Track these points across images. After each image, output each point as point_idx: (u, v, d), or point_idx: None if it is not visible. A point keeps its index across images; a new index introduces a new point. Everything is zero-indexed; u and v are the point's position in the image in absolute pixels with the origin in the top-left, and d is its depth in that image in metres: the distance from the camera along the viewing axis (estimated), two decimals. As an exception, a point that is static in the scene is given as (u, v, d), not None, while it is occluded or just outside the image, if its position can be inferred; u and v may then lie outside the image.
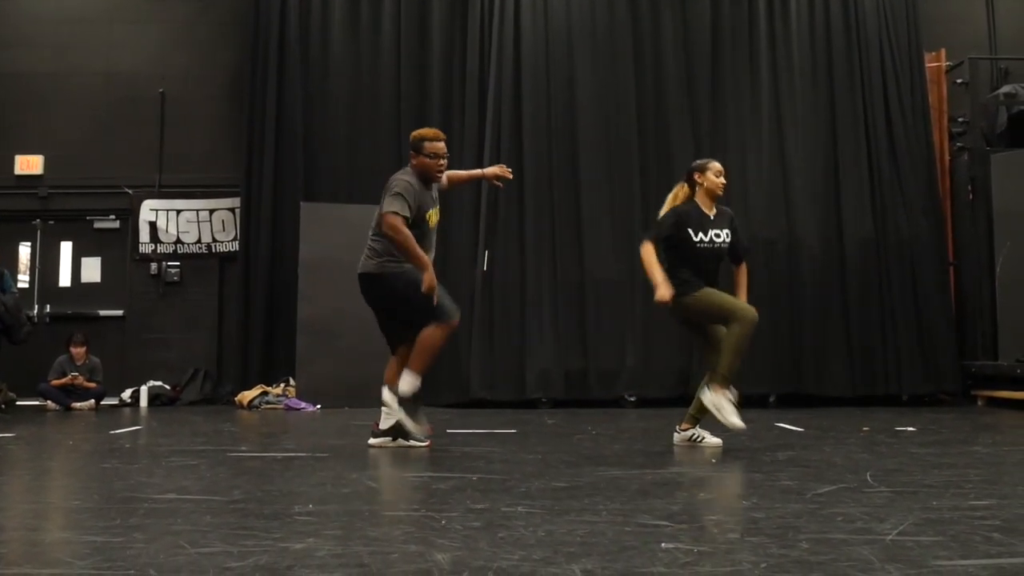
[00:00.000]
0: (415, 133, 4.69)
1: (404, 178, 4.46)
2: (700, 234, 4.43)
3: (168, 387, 8.77)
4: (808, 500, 2.92)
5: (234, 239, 9.13)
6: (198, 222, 9.27)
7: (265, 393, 8.17)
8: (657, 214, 8.81)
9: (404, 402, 4.37)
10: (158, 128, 9.32)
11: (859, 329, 8.26)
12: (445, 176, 4.66)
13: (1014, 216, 7.84)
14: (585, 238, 8.40)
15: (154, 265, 9.22)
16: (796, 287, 8.30)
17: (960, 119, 8.88)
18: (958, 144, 8.87)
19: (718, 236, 4.47)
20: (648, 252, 4.42)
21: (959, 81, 8.83)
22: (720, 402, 4.34)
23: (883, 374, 8.20)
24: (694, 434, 4.65)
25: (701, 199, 4.52)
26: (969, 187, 8.48)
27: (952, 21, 9.32)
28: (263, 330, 8.64)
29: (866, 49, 8.65)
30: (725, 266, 4.68)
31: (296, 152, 8.80)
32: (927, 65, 8.78)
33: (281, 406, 7.95)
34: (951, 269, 8.61)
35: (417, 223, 4.41)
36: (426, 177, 4.55)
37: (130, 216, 9.29)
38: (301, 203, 8.38)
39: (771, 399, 8.02)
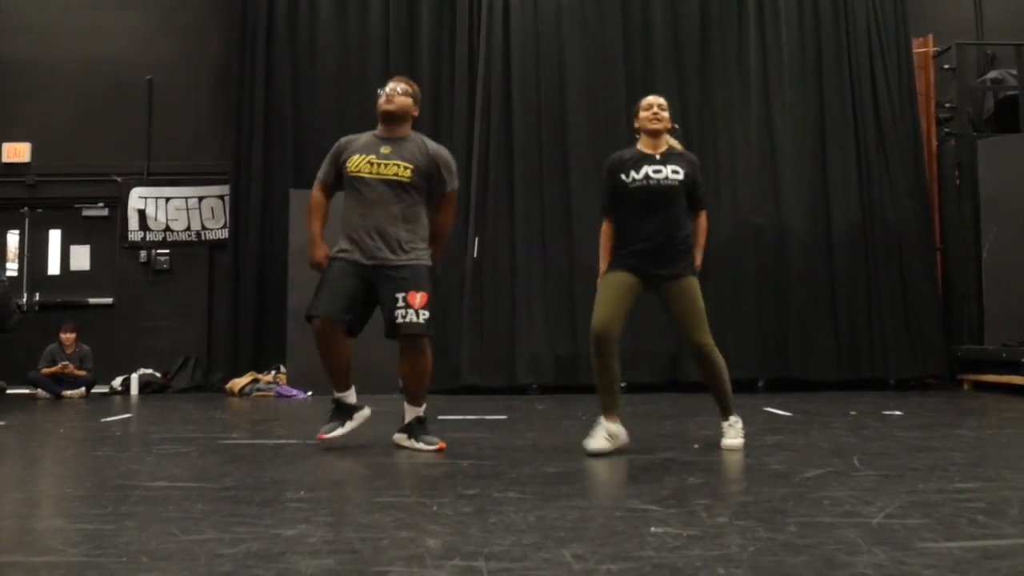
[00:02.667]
0: None
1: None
2: (632, 173, 3.89)
3: (158, 375, 8.76)
4: (796, 484, 2.95)
5: (223, 226, 9.09)
6: (187, 209, 9.23)
7: (256, 380, 8.18)
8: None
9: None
10: (146, 115, 9.27)
11: (846, 314, 8.31)
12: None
13: (1000, 201, 7.89)
14: (574, 223, 8.41)
15: (143, 253, 9.18)
16: (783, 272, 8.33)
17: (947, 104, 8.91)
18: (945, 130, 8.90)
19: (658, 172, 3.87)
20: (603, 233, 4.16)
21: (946, 67, 8.86)
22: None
23: (870, 358, 8.26)
24: (722, 427, 4.14)
25: (642, 143, 4.03)
26: (956, 172, 8.52)
27: (940, 6, 9.34)
28: (253, 317, 8.64)
29: (854, 34, 8.66)
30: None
31: (285, 139, 8.78)
32: (915, 51, 8.80)
33: (272, 393, 7.96)
34: (938, 254, 8.66)
35: (343, 175, 3.95)
36: (382, 121, 4.02)
37: (119, 204, 9.24)
38: (291, 190, 8.35)
39: (759, 384, 8.08)
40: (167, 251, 9.19)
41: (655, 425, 4.93)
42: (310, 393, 7.88)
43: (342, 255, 3.92)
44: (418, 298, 3.79)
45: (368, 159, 3.91)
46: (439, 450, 3.86)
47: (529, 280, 8.32)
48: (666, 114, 4.06)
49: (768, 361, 8.18)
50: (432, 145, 4.04)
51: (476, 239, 8.27)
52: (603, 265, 4.10)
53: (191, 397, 8.11)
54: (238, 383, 8.16)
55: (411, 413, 4.01)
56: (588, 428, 4.97)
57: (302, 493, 2.88)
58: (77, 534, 2.30)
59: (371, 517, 2.47)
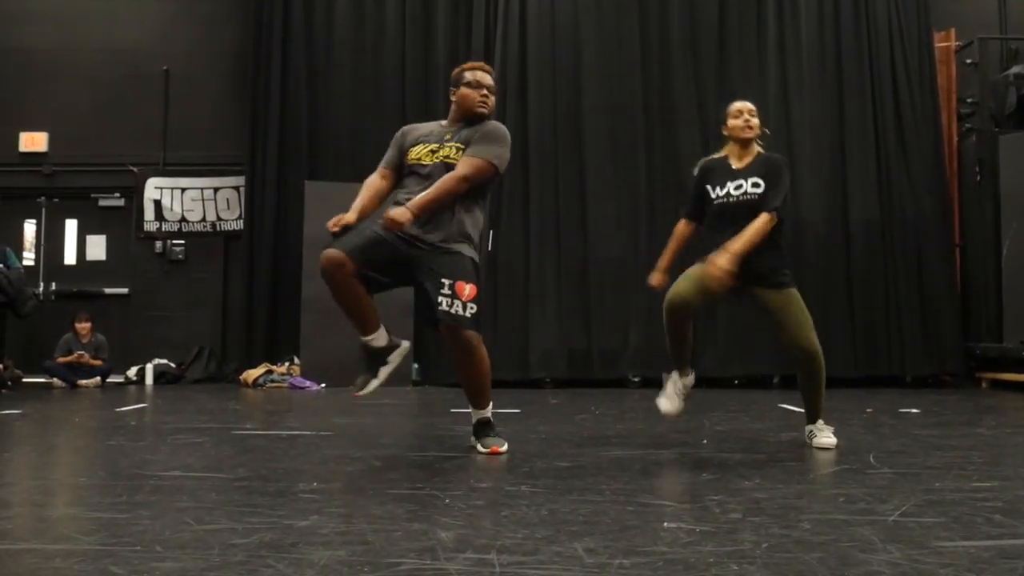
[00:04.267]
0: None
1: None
2: (717, 188, 3.77)
3: (173, 365, 8.81)
4: (810, 481, 2.93)
5: (239, 217, 9.13)
6: (203, 200, 9.27)
7: (270, 371, 8.21)
8: (660, 193, 8.75)
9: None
10: (162, 105, 9.30)
11: (863, 310, 8.25)
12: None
13: (1021, 198, 7.80)
14: (589, 217, 8.39)
15: (159, 243, 9.23)
16: (801, 268, 8.24)
17: (969, 100, 8.81)
18: (966, 125, 8.80)
19: (738, 187, 3.72)
20: (675, 233, 3.92)
21: (968, 61, 8.75)
22: (665, 384, 3.93)
23: (887, 355, 8.20)
24: (811, 430, 3.85)
25: (731, 150, 3.89)
26: (977, 168, 8.43)
27: (962, 0, 9.22)
28: (268, 308, 8.67)
29: (875, 28, 8.57)
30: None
31: (300, 130, 8.79)
32: (936, 45, 8.70)
33: (285, 384, 7.99)
34: (957, 251, 8.58)
35: (409, 168, 3.66)
36: (462, 116, 3.67)
37: (135, 194, 9.29)
38: (305, 181, 8.37)
39: (774, 380, 8.03)
40: (182, 242, 9.23)
41: (669, 420, 4.90)
42: (323, 385, 7.90)
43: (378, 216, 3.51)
44: (467, 289, 3.41)
45: (430, 147, 3.60)
46: (492, 453, 3.55)
47: (543, 274, 8.30)
48: (756, 120, 3.89)
49: (783, 358, 8.09)
50: (488, 123, 3.66)
51: (491, 233, 8.26)
52: (663, 262, 3.92)
53: (205, 387, 8.15)
54: (252, 374, 8.19)
55: (474, 416, 3.73)
56: (601, 422, 4.98)
57: (315, 484, 2.88)
58: (92, 523, 2.31)
59: (384, 509, 2.47)
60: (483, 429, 3.69)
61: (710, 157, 3.97)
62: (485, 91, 3.63)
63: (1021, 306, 7.70)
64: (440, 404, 6.31)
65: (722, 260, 3.52)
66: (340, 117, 8.79)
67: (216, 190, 9.26)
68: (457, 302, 3.41)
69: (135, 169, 9.24)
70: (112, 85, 9.29)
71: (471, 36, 8.68)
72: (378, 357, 3.60)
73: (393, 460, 3.47)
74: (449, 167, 3.52)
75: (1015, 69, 8.61)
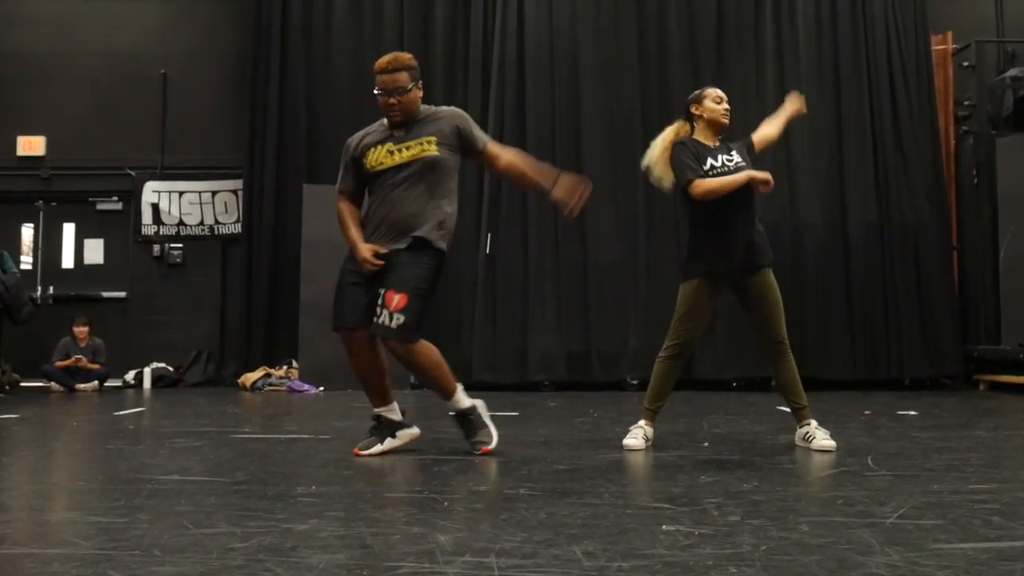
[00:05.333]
0: None
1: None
2: (710, 159, 3.73)
3: (171, 369, 8.81)
4: (809, 483, 2.93)
5: (237, 221, 9.13)
6: (200, 204, 9.27)
7: (268, 375, 8.20)
8: (659, 196, 8.74)
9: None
10: (160, 109, 9.31)
11: (861, 313, 8.26)
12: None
13: (1018, 201, 7.81)
14: (588, 220, 8.38)
15: (157, 247, 9.23)
16: (799, 270, 8.29)
17: (966, 102, 8.83)
18: (963, 128, 8.82)
19: (730, 159, 3.76)
20: (704, 184, 3.68)
21: (965, 64, 8.77)
22: (632, 431, 3.87)
23: (885, 358, 8.21)
24: (807, 432, 3.81)
25: (701, 134, 3.85)
26: (974, 171, 8.45)
27: (959, 3, 9.25)
28: (266, 312, 8.67)
29: (872, 31, 8.59)
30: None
31: (299, 133, 8.80)
32: (933, 48, 8.72)
33: (284, 388, 7.98)
34: (954, 253, 8.60)
35: (366, 179, 3.65)
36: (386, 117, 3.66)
37: (132, 198, 9.29)
38: (304, 185, 8.37)
39: (773, 383, 8.00)
40: (180, 245, 9.22)
41: (668, 423, 4.91)
42: (322, 388, 7.90)
43: (348, 259, 3.66)
44: (395, 299, 3.41)
45: (386, 148, 3.59)
46: (482, 454, 3.59)
47: (542, 277, 8.31)
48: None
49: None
50: (442, 110, 3.72)
51: (489, 235, 8.27)
52: (738, 176, 3.71)
53: (203, 391, 8.15)
54: (250, 377, 8.19)
55: (449, 411, 3.80)
56: (599, 425, 4.98)
57: (314, 488, 2.88)
58: (90, 527, 2.31)
59: (382, 512, 2.47)
60: (466, 425, 3.69)
61: (682, 139, 3.86)
62: (392, 99, 3.58)
63: (1019, 308, 7.72)
64: (438, 408, 6.30)
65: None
66: (338, 120, 8.78)
67: (214, 193, 9.26)
68: (384, 312, 3.44)
69: (133, 173, 9.24)
70: (110, 89, 9.29)
71: (469, 40, 8.69)
72: (389, 429, 3.71)
73: (391, 464, 3.47)
74: (425, 165, 3.55)
75: (1012, 72, 8.63)
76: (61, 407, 6.53)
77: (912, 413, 5.61)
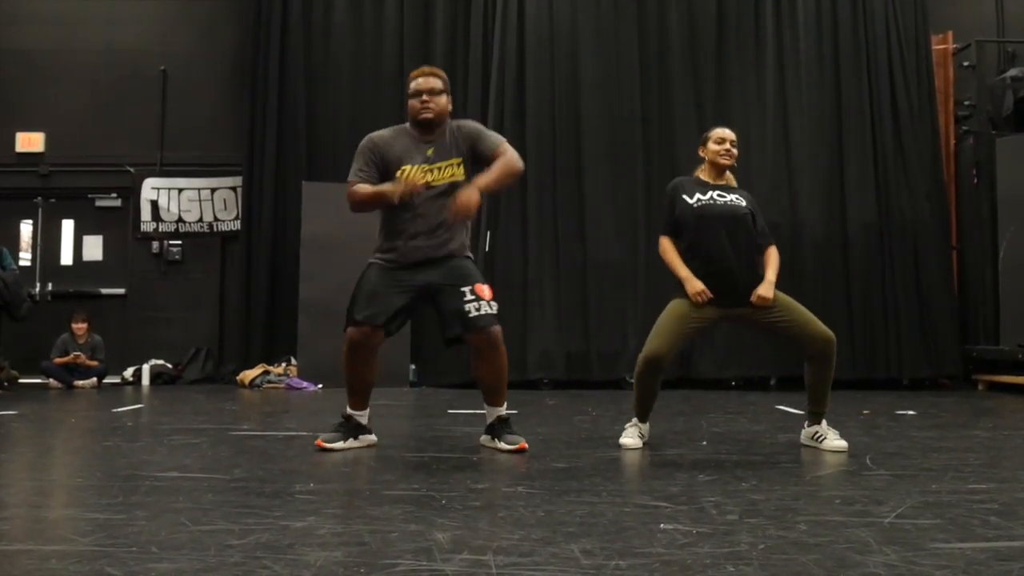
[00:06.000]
0: None
1: (372, 133, 3.82)
2: (697, 195, 3.78)
3: (170, 366, 8.80)
4: (807, 482, 2.93)
5: (236, 218, 9.12)
6: (200, 201, 9.26)
7: (267, 372, 8.20)
8: (658, 197, 8.76)
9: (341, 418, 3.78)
10: (160, 106, 9.30)
11: (860, 313, 8.26)
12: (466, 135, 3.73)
13: (1018, 201, 7.81)
14: (587, 219, 8.39)
15: (156, 244, 9.22)
16: (798, 270, 8.28)
17: (966, 102, 8.82)
18: (964, 128, 8.82)
19: (721, 196, 3.78)
20: (665, 247, 3.88)
21: (966, 64, 8.77)
22: (627, 429, 3.91)
23: (884, 358, 8.21)
24: (817, 432, 3.82)
25: (705, 172, 3.96)
26: (974, 171, 8.44)
27: (959, 3, 9.24)
28: (265, 309, 8.66)
29: (872, 30, 8.58)
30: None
31: (298, 131, 8.79)
32: (933, 47, 8.72)
33: (283, 385, 7.98)
34: (954, 253, 8.59)
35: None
36: (416, 123, 3.73)
37: (132, 194, 9.28)
38: (303, 182, 8.37)
39: (772, 382, 8.04)
40: (179, 242, 9.22)
41: (667, 422, 4.91)
42: (320, 385, 7.90)
43: (379, 261, 3.67)
44: (486, 289, 3.56)
45: (421, 168, 3.62)
46: (519, 449, 3.62)
47: (541, 276, 8.31)
48: (736, 151, 3.94)
49: (781, 359, 8.13)
50: (465, 125, 3.79)
51: (488, 234, 8.26)
52: (682, 270, 3.80)
53: (202, 388, 8.14)
54: (249, 375, 8.18)
55: (493, 414, 3.81)
56: (598, 423, 4.97)
57: (311, 485, 2.88)
58: (88, 524, 2.31)
59: (380, 510, 2.47)
60: (503, 426, 3.76)
61: (679, 178, 4.05)
62: (424, 96, 3.66)
63: (1018, 309, 7.72)
64: (437, 405, 6.31)
65: (767, 292, 3.67)
66: (338, 118, 8.79)
67: (213, 191, 9.25)
68: (483, 303, 3.57)
69: (132, 169, 9.23)
70: (109, 85, 9.28)
71: (469, 39, 8.68)
72: (356, 430, 3.76)
73: (390, 461, 3.47)
74: (449, 188, 3.60)
75: (1012, 72, 8.63)
76: (60, 404, 6.52)
77: (911, 413, 5.61)
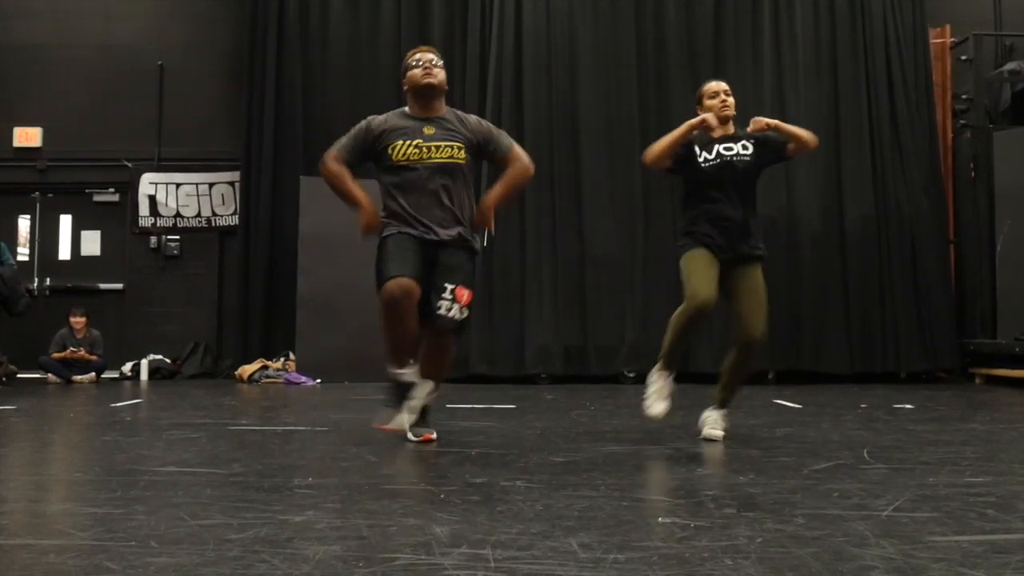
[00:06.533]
0: None
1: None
2: (704, 152, 3.82)
3: (168, 361, 8.80)
4: (805, 476, 2.94)
5: (234, 213, 9.11)
6: (198, 196, 9.25)
7: (265, 367, 8.20)
8: (656, 192, 8.74)
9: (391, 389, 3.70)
10: (157, 101, 9.27)
11: (858, 306, 8.27)
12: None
13: (1015, 194, 7.82)
14: (585, 214, 8.39)
15: (154, 239, 9.21)
16: (796, 264, 8.29)
17: (964, 96, 8.82)
18: (961, 121, 8.81)
19: (728, 149, 3.82)
20: (649, 151, 3.92)
21: (963, 58, 8.76)
22: (650, 383, 3.94)
23: (881, 351, 8.22)
24: (710, 416, 3.97)
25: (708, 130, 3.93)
26: (971, 165, 8.45)
27: (957, -4, 9.24)
28: (263, 304, 8.66)
29: (870, 24, 8.57)
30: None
31: (296, 125, 8.77)
32: (931, 41, 8.71)
33: (281, 380, 7.98)
34: (951, 247, 8.60)
35: (387, 165, 3.63)
36: (417, 97, 3.70)
37: (129, 189, 9.27)
38: (301, 177, 8.36)
39: (769, 376, 8.05)
40: (177, 237, 9.21)
41: (666, 415, 4.91)
42: (319, 380, 7.90)
43: (394, 231, 3.58)
44: (466, 295, 3.54)
45: (414, 143, 3.60)
46: (423, 440, 3.67)
47: (539, 271, 8.30)
48: (732, 100, 3.94)
49: (779, 353, 8.14)
50: (470, 118, 3.80)
51: (485, 230, 8.25)
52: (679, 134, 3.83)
53: (201, 383, 8.15)
54: (247, 369, 8.19)
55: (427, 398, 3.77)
56: (596, 418, 4.98)
57: (310, 479, 2.88)
58: (86, 518, 2.31)
59: (379, 504, 2.47)
60: (426, 414, 3.78)
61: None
62: (425, 64, 3.68)
63: (1015, 302, 7.73)
64: (436, 400, 6.31)
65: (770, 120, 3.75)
66: (335, 113, 8.75)
67: (211, 185, 9.24)
68: (455, 307, 3.53)
69: (130, 164, 9.22)
70: (107, 80, 9.26)
71: (466, 34, 8.67)
72: (404, 392, 3.64)
73: (388, 455, 3.47)
74: (447, 168, 3.60)
75: (1010, 66, 8.63)
76: (58, 399, 6.52)
77: (908, 406, 5.62)
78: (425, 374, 3.69)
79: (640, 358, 8.17)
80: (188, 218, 9.24)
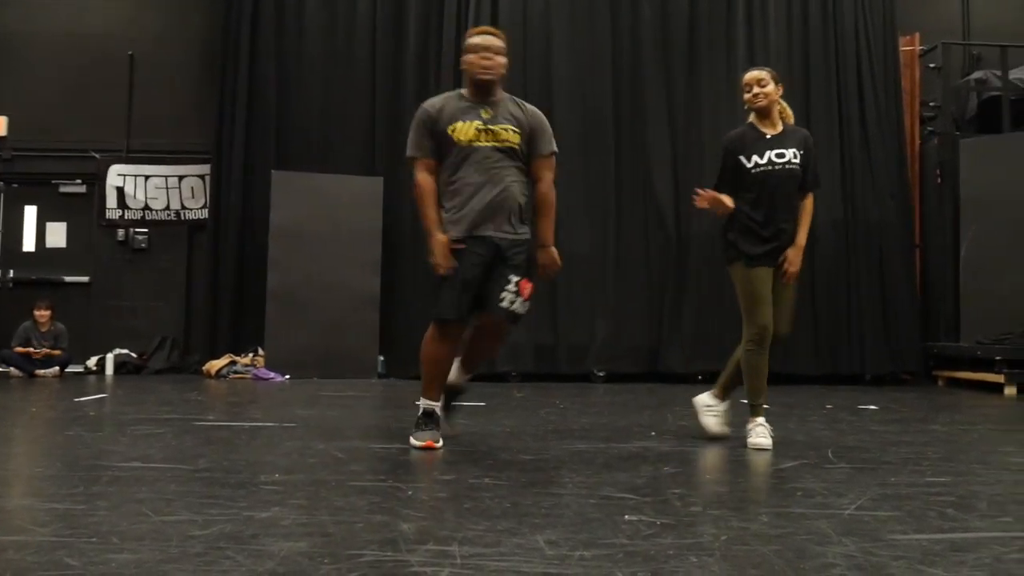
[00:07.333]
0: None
1: (426, 101, 3.71)
2: (755, 157, 3.77)
3: (135, 355, 8.69)
4: (770, 475, 2.97)
5: (203, 206, 9.01)
6: (167, 188, 9.14)
7: (233, 362, 8.13)
8: (629, 191, 8.76)
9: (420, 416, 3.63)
10: (127, 91, 9.15)
11: (825, 308, 8.37)
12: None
13: (980, 201, 7.96)
14: (558, 212, 8.37)
15: (121, 231, 9.09)
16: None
17: (932, 103, 8.96)
18: (928, 128, 8.95)
19: (781, 156, 3.77)
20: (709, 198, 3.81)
21: (932, 66, 8.90)
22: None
23: (847, 353, 8.33)
24: (712, 405, 4.04)
25: (756, 120, 3.92)
26: (938, 171, 8.58)
27: (927, 5, 9.37)
28: (232, 299, 8.58)
29: (841, 30, 8.68)
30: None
31: (268, 119, 8.70)
32: (901, 48, 8.83)
33: (249, 376, 7.91)
34: (917, 252, 8.73)
35: (448, 147, 3.55)
36: (474, 83, 3.63)
37: (97, 181, 9.13)
38: (272, 171, 8.29)
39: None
40: (145, 230, 9.09)
41: (633, 414, 4.95)
42: (288, 376, 7.84)
43: (463, 244, 3.53)
44: (528, 289, 3.58)
45: (475, 125, 3.54)
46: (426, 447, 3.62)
47: (511, 268, 8.29)
48: (769, 88, 3.89)
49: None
50: (528, 106, 3.73)
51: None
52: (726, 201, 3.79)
53: (167, 378, 8.05)
54: (215, 365, 8.11)
55: (461, 380, 3.88)
56: (565, 416, 5.00)
57: (277, 476, 2.86)
58: (47, 514, 2.27)
59: (346, 500, 2.46)
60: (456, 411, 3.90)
61: (733, 131, 3.97)
62: (487, 53, 3.61)
63: (978, 306, 7.86)
64: (404, 396, 6.29)
65: (798, 259, 3.77)
66: (309, 107, 8.71)
67: (181, 178, 9.14)
68: (518, 300, 3.57)
69: (98, 155, 9.08)
70: (76, 70, 9.12)
71: (443, 28, 8.65)
72: (437, 423, 3.64)
73: (356, 452, 3.46)
74: (510, 151, 3.58)
75: (976, 74, 8.78)
76: (20, 393, 6.41)
77: (872, 407, 5.70)
78: (471, 362, 3.79)
79: (610, 357, 8.21)
80: (157, 211, 9.13)
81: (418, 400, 3.65)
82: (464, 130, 3.54)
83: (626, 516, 2.27)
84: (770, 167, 3.77)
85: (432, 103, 3.67)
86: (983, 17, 9.30)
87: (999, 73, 8.54)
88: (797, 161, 3.83)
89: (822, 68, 8.64)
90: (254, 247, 8.47)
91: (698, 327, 8.21)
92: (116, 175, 9.11)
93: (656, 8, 8.65)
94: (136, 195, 9.10)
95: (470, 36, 3.72)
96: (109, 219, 9.10)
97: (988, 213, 7.88)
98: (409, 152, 3.63)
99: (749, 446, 3.63)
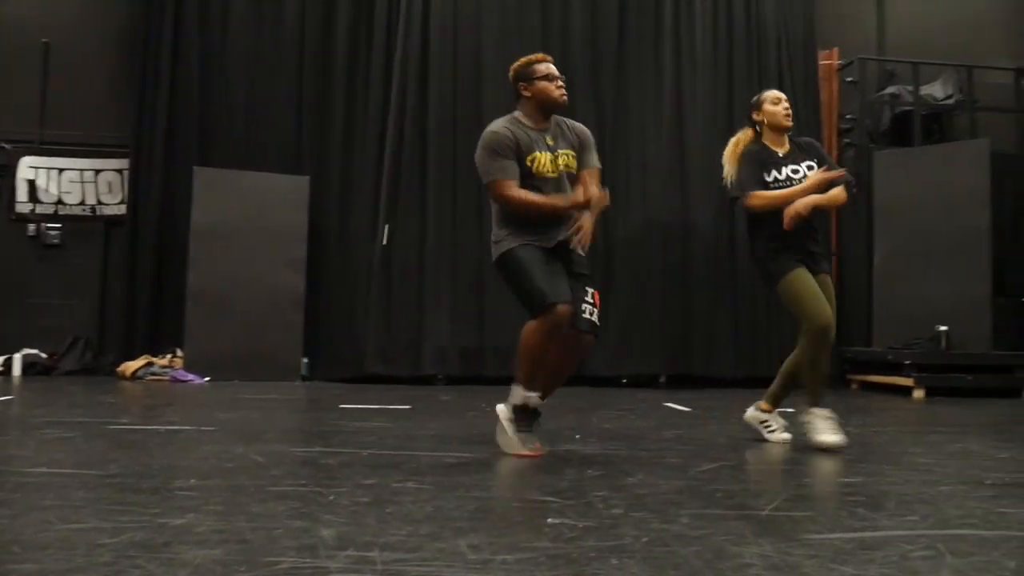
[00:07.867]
0: (516, 64, 3.84)
1: (491, 127, 3.66)
2: (774, 172, 3.86)
3: (44, 355, 8.33)
4: (691, 477, 3.02)
5: (121, 202, 8.71)
6: (82, 182, 8.81)
7: (150, 364, 7.87)
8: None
9: (513, 412, 3.59)
10: (41, 80, 8.77)
11: (745, 311, 8.57)
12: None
13: (892, 211, 8.27)
14: (485, 214, 8.37)
15: (32, 226, 8.71)
16: (689, 271, 8.53)
17: (848, 116, 9.28)
18: (846, 140, 9.27)
19: (796, 172, 3.88)
20: (760, 197, 3.83)
21: (849, 80, 9.21)
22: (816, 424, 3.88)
23: (766, 356, 8.54)
24: (766, 420, 4.18)
25: (768, 138, 3.97)
26: (854, 182, 8.87)
27: (845, 21, 9.70)
28: (150, 298, 8.31)
29: (764, 43, 8.91)
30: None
31: (191, 114, 8.46)
32: (820, 62, 9.13)
33: (167, 378, 7.68)
34: (833, 259, 9.02)
35: (533, 179, 3.57)
36: (543, 110, 3.70)
37: (7, 173, 8.73)
38: (194, 167, 8.06)
39: (661, 380, 8.25)
40: (59, 225, 8.73)
41: (560, 418, 4.98)
42: (208, 378, 7.64)
43: (528, 242, 3.54)
44: (598, 297, 3.63)
45: (548, 157, 3.61)
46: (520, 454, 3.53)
47: (438, 272, 8.26)
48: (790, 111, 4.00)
49: (671, 357, 8.37)
50: (576, 125, 3.83)
51: (386, 226, 8.17)
52: (794, 189, 3.84)
53: (79, 380, 7.75)
54: (131, 366, 7.84)
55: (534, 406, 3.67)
56: (491, 419, 4.99)
57: (192, 481, 2.78)
58: (-58, 521, 2.16)
59: (264, 506, 2.40)
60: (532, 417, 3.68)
61: (749, 147, 3.99)
62: (560, 81, 3.73)
63: (890, 313, 8.17)
64: (328, 399, 6.20)
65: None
66: (233, 103, 8.51)
67: (97, 172, 8.81)
68: (595, 311, 3.57)
69: (8, 146, 8.68)
70: (-17, 56, 8.71)
71: (372, 28, 8.57)
72: (532, 418, 3.61)
73: (276, 456, 3.38)
74: (571, 175, 3.66)
75: (890, 89, 9.14)
76: (-82, 394, 6.09)
77: (790, 410, 5.86)
78: (554, 385, 3.69)
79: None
80: (71, 205, 8.78)
81: (499, 404, 3.61)
82: (541, 161, 3.59)
83: (549, 519, 2.28)
84: (788, 183, 3.86)
85: (506, 130, 3.63)
86: (898, 34, 9.67)
87: (911, 89, 8.90)
88: (815, 168, 3.89)
89: (745, 80, 8.84)
90: (174, 245, 8.22)
91: (623, 332, 8.31)
92: (27, 167, 8.73)
93: (586, 15, 8.73)
94: (49, 188, 8.74)
95: (536, 63, 3.77)
96: (19, 213, 8.71)
97: (900, 222, 8.19)
98: (493, 176, 3.56)
99: (818, 446, 3.66)
